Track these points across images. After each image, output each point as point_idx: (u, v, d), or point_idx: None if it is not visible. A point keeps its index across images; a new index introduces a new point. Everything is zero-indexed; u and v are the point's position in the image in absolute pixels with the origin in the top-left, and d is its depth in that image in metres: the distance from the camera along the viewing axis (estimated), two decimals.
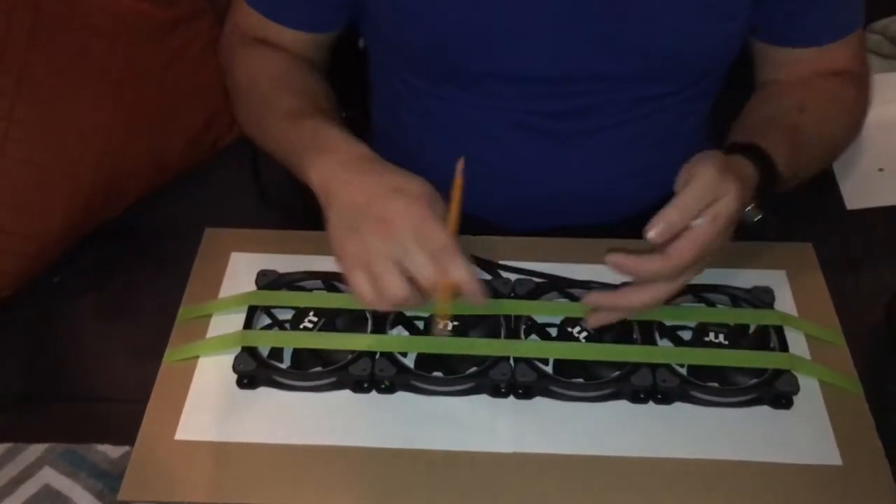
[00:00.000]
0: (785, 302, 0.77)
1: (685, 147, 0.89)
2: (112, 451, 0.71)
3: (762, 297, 0.75)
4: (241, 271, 0.79)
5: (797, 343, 0.74)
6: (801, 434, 0.68)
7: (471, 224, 0.84)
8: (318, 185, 0.69)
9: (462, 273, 0.63)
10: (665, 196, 0.85)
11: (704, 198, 0.64)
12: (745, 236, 0.70)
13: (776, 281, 0.78)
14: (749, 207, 0.69)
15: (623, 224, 0.86)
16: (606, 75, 0.79)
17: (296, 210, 0.91)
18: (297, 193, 0.79)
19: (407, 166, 0.94)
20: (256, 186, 0.97)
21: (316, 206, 0.69)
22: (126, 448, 0.71)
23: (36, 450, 0.72)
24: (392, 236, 0.63)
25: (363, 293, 0.63)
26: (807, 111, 0.80)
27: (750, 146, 0.72)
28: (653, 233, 0.63)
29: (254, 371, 0.70)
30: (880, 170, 1.02)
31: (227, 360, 0.71)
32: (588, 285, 0.76)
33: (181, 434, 0.67)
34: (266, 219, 0.93)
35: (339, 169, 0.68)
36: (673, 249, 0.64)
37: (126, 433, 0.68)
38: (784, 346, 0.72)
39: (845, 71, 0.84)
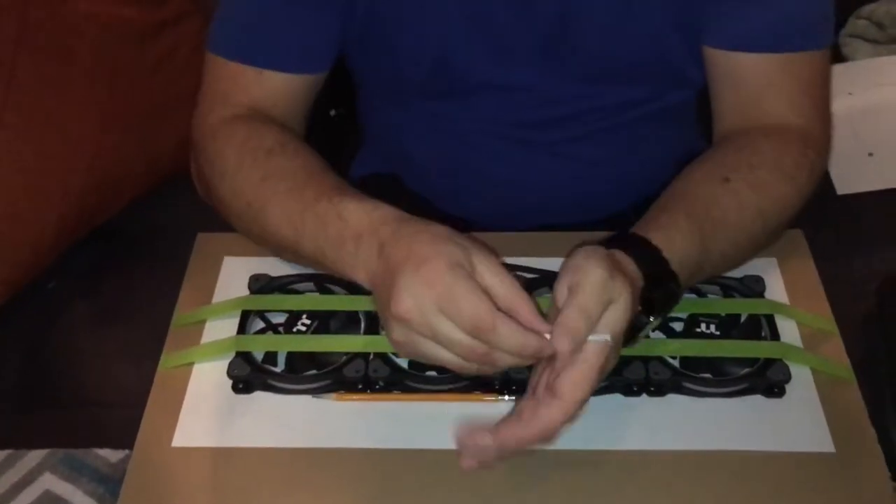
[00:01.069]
0: (776, 290, 0.77)
1: (669, 143, 0.91)
2: (112, 455, 0.72)
3: (753, 287, 0.76)
4: (233, 275, 0.79)
5: (789, 331, 0.74)
6: (795, 422, 0.68)
7: (457, 225, 0.85)
8: (368, 284, 0.63)
9: (512, 345, 0.54)
10: (644, 196, 0.83)
11: (601, 299, 0.56)
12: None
13: (767, 268, 0.78)
14: (639, 313, 0.62)
15: (604, 222, 0.88)
16: (568, 84, 0.79)
17: None
18: None
19: (398, 171, 0.95)
20: None
21: None
22: (125, 452, 0.71)
23: (36, 455, 0.72)
24: (413, 325, 0.56)
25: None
26: (731, 181, 0.70)
27: (637, 239, 0.64)
28: (564, 346, 0.55)
29: (248, 376, 0.70)
30: (870, 154, 1.03)
31: (222, 365, 0.71)
32: None
33: (178, 441, 0.68)
34: None
35: (375, 257, 0.61)
36: (565, 386, 0.56)
37: (125, 437, 0.68)
38: (775, 335, 0.73)
39: (793, 126, 0.76)
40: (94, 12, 0.94)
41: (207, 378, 0.72)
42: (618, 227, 0.72)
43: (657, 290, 0.63)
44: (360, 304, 0.75)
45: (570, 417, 0.56)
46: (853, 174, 1.01)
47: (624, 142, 0.86)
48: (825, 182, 1.01)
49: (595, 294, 0.56)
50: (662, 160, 0.92)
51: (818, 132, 0.77)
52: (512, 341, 0.55)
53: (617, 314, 0.57)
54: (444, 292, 0.54)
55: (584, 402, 0.57)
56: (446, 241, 0.57)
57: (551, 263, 0.77)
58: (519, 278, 0.74)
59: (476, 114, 0.83)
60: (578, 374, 0.56)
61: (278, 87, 0.78)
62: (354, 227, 0.63)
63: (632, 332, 0.62)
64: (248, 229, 0.74)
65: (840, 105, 0.91)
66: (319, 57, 0.80)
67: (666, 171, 0.91)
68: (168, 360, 0.73)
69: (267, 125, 0.76)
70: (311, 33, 0.78)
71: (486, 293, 0.56)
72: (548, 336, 0.56)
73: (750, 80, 0.77)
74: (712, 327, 0.73)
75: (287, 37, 0.77)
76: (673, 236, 0.65)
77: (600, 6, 0.75)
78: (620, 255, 0.62)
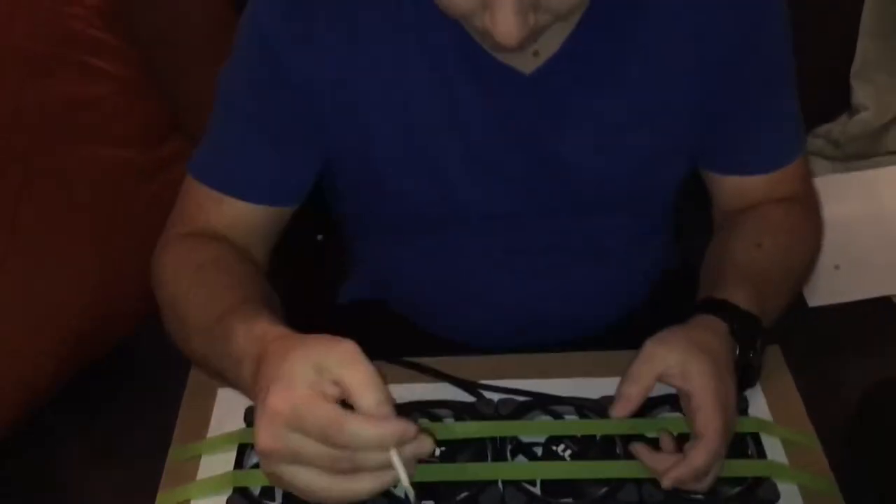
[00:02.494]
0: (758, 406, 0.80)
1: (649, 261, 0.95)
2: None
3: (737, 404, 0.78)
4: (228, 407, 0.79)
5: (773, 447, 0.76)
6: None
7: (447, 346, 0.87)
8: (251, 379, 0.62)
9: (371, 436, 0.53)
10: (633, 310, 0.89)
11: (655, 371, 0.69)
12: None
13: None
14: (738, 356, 0.73)
15: (594, 339, 0.90)
16: (560, 214, 0.83)
17: None
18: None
19: (386, 297, 0.97)
20: None
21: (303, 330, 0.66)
22: None
23: None
24: (273, 451, 0.56)
25: None
26: (763, 245, 0.82)
27: (712, 301, 0.75)
28: (617, 411, 0.70)
29: None
30: (836, 267, 1.07)
31: (220, 501, 0.71)
32: (570, 401, 0.78)
33: None
34: None
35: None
36: (689, 454, 0.67)
37: None
38: (762, 453, 0.74)
39: (793, 197, 0.86)
40: (96, 156, 0.96)
41: None
42: (606, 343, 0.81)
43: (752, 330, 0.74)
44: None
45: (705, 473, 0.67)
46: (822, 286, 1.05)
47: (611, 263, 0.89)
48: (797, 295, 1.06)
49: (721, 434, 0.67)
50: (641, 280, 0.96)
51: (814, 199, 0.91)
52: (366, 434, 0.54)
53: (702, 381, 0.68)
54: (289, 411, 0.54)
55: (710, 464, 0.67)
56: (293, 359, 0.56)
57: (542, 385, 0.80)
58: (510, 401, 0.77)
59: (470, 245, 0.86)
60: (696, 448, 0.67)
61: (237, 215, 0.80)
62: (238, 351, 0.63)
63: (745, 373, 0.74)
64: (179, 340, 0.75)
65: None
66: (287, 193, 0.82)
67: (643, 288, 0.95)
68: (164, 499, 0.73)
69: (212, 242, 0.78)
70: (282, 171, 0.80)
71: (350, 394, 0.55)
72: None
73: (753, 189, 0.86)
74: None
75: (255, 170, 0.79)
76: (736, 297, 0.74)
77: (590, 144, 0.78)
78: (704, 318, 0.73)
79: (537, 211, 0.83)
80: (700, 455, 0.66)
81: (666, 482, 0.67)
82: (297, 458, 0.55)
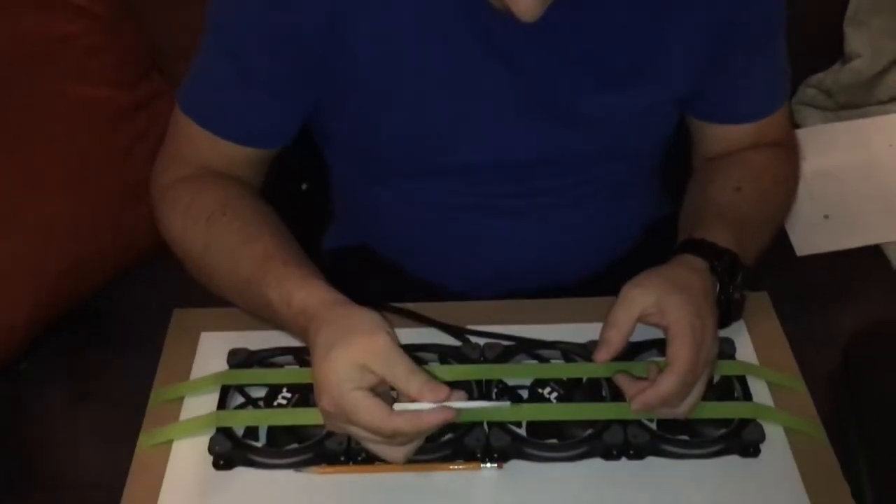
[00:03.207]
0: (745, 351, 0.79)
1: (638, 208, 0.94)
2: None
3: (723, 348, 0.77)
4: (211, 351, 0.79)
5: (760, 391, 0.76)
6: (771, 482, 0.70)
7: (434, 291, 0.86)
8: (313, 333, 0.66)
9: (412, 434, 0.62)
10: (615, 257, 0.88)
11: (633, 315, 0.70)
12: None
13: (735, 330, 0.80)
14: (719, 291, 0.73)
15: (578, 285, 0.90)
16: (550, 156, 0.82)
17: None
18: None
19: (370, 243, 0.96)
20: None
21: None
22: None
23: None
24: (332, 421, 0.64)
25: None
26: (743, 189, 0.82)
27: (691, 241, 0.76)
28: (599, 356, 0.70)
29: (230, 452, 0.70)
30: (825, 216, 1.07)
31: (202, 442, 0.70)
32: (556, 345, 0.78)
33: None
34: None
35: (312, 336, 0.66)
36: (671, 359, 0.67)
37: None
38: (748, 395, 0.74)
39: (777, 143, 0.87)
40: (67, 92, 0.93)
41: (187, 456, 0.71)
42: (590, 290, 0.82)
43: (733, 268, 0.74)
44: None
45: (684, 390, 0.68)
46: (810, 236, 1.05)
47: (600, 209, 0.89)
48: (785, 243, 1.05)
49: (690, 363, 0.67)
50: (630, 226, 0.95)
51: (794, 143, 0.92)
52: (413, 430, 0.62)
53: (681, 311, 0.68)
54: (346, 408, 0.62)
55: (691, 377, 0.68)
56: (338, 361, 0.62)
57: (527, 330, 0.80)
58: (496, 346, 0.77)
59: (457, 189, 0.85)
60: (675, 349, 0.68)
61: (233, 156, 0.81)
62: (280, 319, 0.70)
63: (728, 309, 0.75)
64: (206, 286, 0.78)
65: None
66: (275, 136, 0.82)
67: (633, 235, 0.95)
68: (146, 439, 0.72)
69: (211, 186, 0.79)
70: (267, 116, 0.79)
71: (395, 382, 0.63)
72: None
73: (738, 136, 0.87)
74: None
75: (243, 115, 0.79)
76: (716, 236, 0.75)
77: (591, 87, 0.77)
78: (685, 258, 0.73)
79: (529, 155, 0.81)
80: (667, 380, 0.67)
81: (634, 405, 0.68)
82: (348, 431, 0.64)
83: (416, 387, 0.62)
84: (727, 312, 0.75)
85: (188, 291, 0.81)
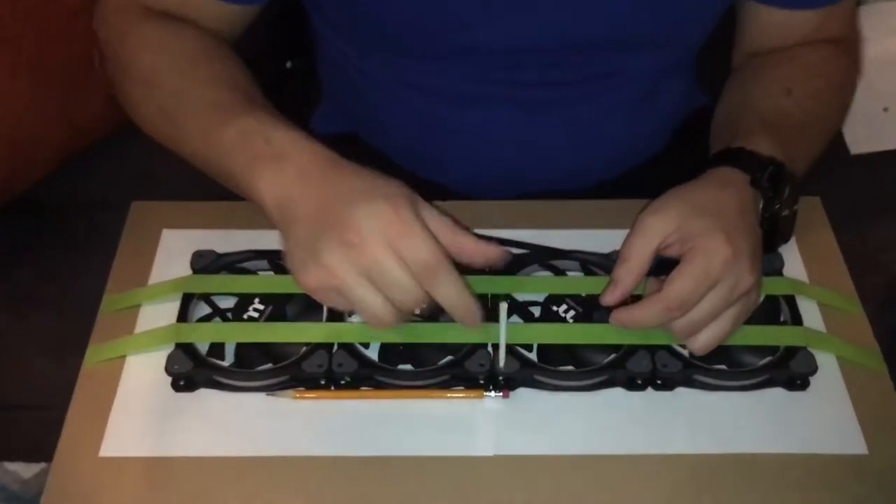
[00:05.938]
0: (793, 266, 0.69)
1: (667, 107, 0.83)
2: (24, 469, 0.63)
3: (771, 262, 0.67)
4: (174, 252, 0.69)
5: (810, 313, 0.66)
6: (821, 419, 0.61)
7: (433, 193, 0.75)
8: (270, 202, 0.58)
9: (453, 296, 0.55)
10: (642, 159, 0.78)
11: (650, 247, 0.59)
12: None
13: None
14: (763, 208, 0.63)
15: (598, 188, 0.80)
16: (580, 43, 0.70)
17: None
18: None
19: (361, 131, 0.85)
20: None
21: None
22: (42, 465, 0.62)
23: None
24: (360, 253, 0.53)
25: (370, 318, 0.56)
26: (793, 92, 0.71)
27: (728, 152, 0.64)
28: (606, 298, 0.60)
29: (191, 371, 0.61)
30: (885, 109, 0.95)
31: (160, 358, 0.61)
32: (574, 255, 0.68)
33: (107, 450, 0.58)
34: (204, 189, 0.83)
35: (296, 181, 0.57)
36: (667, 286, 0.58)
37: (41, 448, 0.59)
38: (797, 319, 0.64)
39: (837, 39, 0.76)
40: None
41: (142, 374, 0.62)
42: (612, 194, 0.72)
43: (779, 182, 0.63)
44: None
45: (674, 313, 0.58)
46: (867, 132, 0.94)
47: (623, 103, 0.78)
48: (838, 142, 0.94)
49: (680, 298, 0.57)
50: (662, 126, 0.84)
51: (856, 42, 0.80)
52: (451, 291, 0.55)
53: (710, 236, 0.58)
54: (402, 230, 0.53)
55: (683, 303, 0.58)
56: (394, 181, 0.56)
57: (541, 236, 0.69)
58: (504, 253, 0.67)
59: (460, 72, 0.73)
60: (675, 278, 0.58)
61: (207, 10, 0.71)
62: (279, 149, 0.59)
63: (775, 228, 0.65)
64: (159, 133, 0.69)
65: None
66: None
67: (663, 137, 0.84)
68: (95, 353, 0.63)
69: (185, 28, 0.69)
70: None
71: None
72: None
73: (796, 26, 0.76)
74: None
75: None
76: (758, 144, 0.64)
77: None
78: (723, 171, 0.62)
79: (558, 37, 0.70)
80: (646, 307, 0.58)
81: (611, 316, 0.60)
82: (375, 272, 0.54)
83: (449, 238, 0.55)
84: (773, 233, 0.65)
85: (150, 182, 0.72)
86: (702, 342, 0.59)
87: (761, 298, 0.65)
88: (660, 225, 0.58)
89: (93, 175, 0.87)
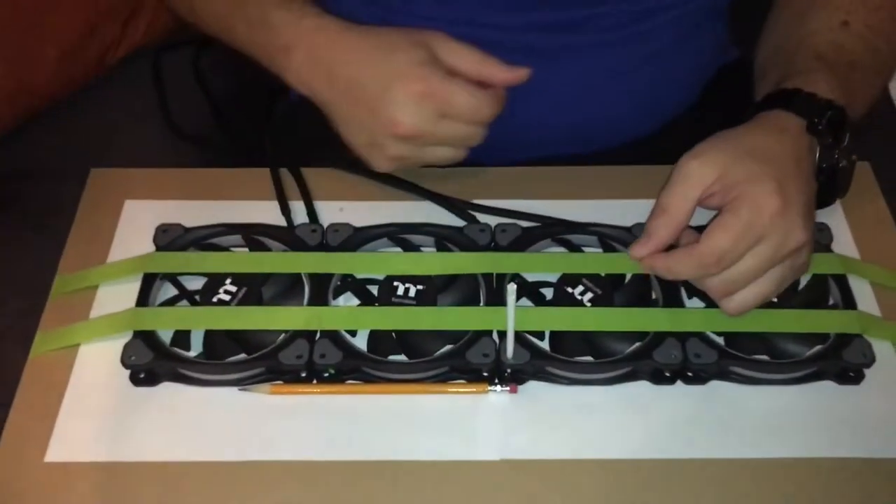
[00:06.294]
0: (841, 240, 0.62)
1: (699, 57, 0.75)
2: None
3: (817, 237, 0.59)
4: (138, 225, 0.62)
5: (863, 296, 0.58)
6: (877, 417, 0.53)
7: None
8: (305, 93, 0.61)
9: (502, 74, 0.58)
10: (669, 117, 0.74)
11: (692, 196, 0.52)
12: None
13: (827, 213, 0.62)
14: (820, 157, 0.57)
15: (621, 153, 0.73)
16: None
17: (214, 144, 0.76)
18: (218, 120, 0.63)
19: None
20: (162, 112, 0.79)
21: (246, 137, 0.64)
22: None
23: None
24: (415, 140, 0.58)
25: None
26: (851, 24, 0.64)
27: (781, 93, 0.58)
28: (636, 251, 0.54)
29: (151, 363, 0.53)
30: None
31: (118, 347, 0.54)
32: (591, 228, 0.61)
33: (54, 454, 0.51)
34: (173, 156, 0.77)
35: (310, 70, 0.60)
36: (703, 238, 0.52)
37: None
38: (850, 302, 0.57)
39: None
40: None
41: (97, 366, 0.55)
42: (637, 157, 0.65)
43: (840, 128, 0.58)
44: (303, 263, 0.58)
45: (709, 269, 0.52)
46: None
47: (660, 51, 0.71)
48: (887, 101, 0.86)
49: (717, 253, 0.51)
50: (691, 80, 0.76)
51: None
52: (497, 108, 0.59)
53: (760, 184, 0.52)
54: (441, 100, 0.57)
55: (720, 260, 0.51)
56: (406, 48, 0.59)
57: (553, 207, 0.63)
58: (511, 227, 0.61)
59: (473, 17, 0.67)
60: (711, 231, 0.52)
61: None
62: (283, 38, 0.61)
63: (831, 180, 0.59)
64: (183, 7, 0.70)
65: None
66: None
67: (692, 93, 0.76)
68: (44, 341, 0.56)
69: None
70: None
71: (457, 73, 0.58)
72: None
73: None
74: None
75: None
76: (815, 85, 0.58)
77: None
78: (774, 115, 0.56)
79: None
80: (679, 258, 0.52)
81: (632, 251, 0.54)
82: (439, 140, 0.60)
83: (487, 71, 0.58)
84: (830, 186, 0.58)
85: (111, 147, 0.65)
86: (737, 303, 0.53)
87: (807, 278, 0.57)
88: (703, 171, 0.52)
89: (48, 142, 0.81)
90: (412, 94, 0.56)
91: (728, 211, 0.51)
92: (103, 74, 0.88)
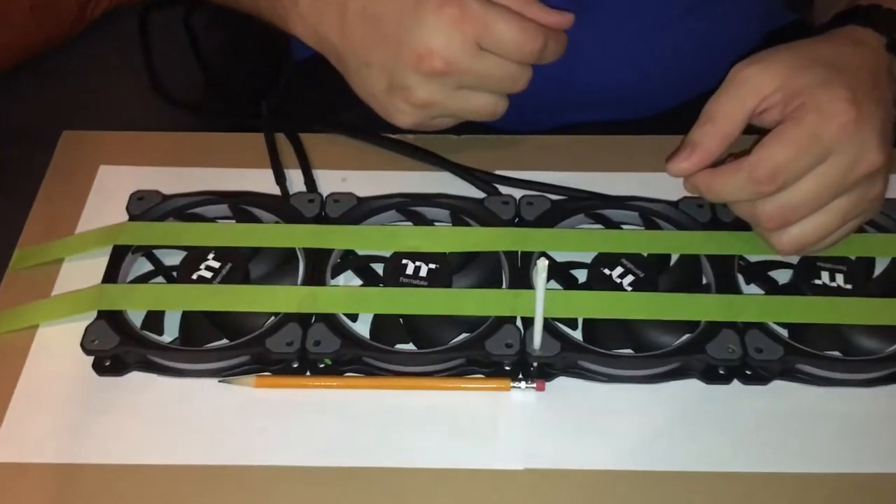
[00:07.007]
0: None
1: (746, 18, 0.68)
2: None
3: (886, 210, 0.52)
4: (113, 193, 0.56)
5: None
6: None
7: (457, 126, 0.61)
8: (324, 53, 0.54)
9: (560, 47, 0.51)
10: (713, 83, 0.67)
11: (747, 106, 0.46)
12: None
13: None
14: None
15: (657, 122, 0.65)
16: None
17: (204, 109, 0.69)
18: (209, 83, 0.63)
19: None
20: (146, 72, 0.73)
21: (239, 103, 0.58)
22: None
23: None
24: (450, 74, 0.50)
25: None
26: None
27: (855, 10, 0.51)
28: (676, 163, 0.47)
29: (117, 349, 0.46)
30: None
31: (82, 329, 0.47)
32: (631, 203, 0.54)
33: (5, 453, 0.45)
34: (158, 120, 0.70)
35: (322, 28, 0.53)
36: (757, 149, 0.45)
37: None
38: None
39: None
40: None
41: (57, 351, 0.48)
42: (677, 127, 0.55)
43: None
44: (298, 236, 0.51)
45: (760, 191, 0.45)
46: None
47: (706, 12, 0.64)
48: None
49: (772, 168, 0.44)
50: (737, 42, 0.69)
51: None
52: (560, 47, 0.52)
53: (822, 98, 0.45)
54: (479, 26, 0.49)
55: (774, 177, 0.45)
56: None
57: (586, 180, 0.55)
58: (539, 200, 0.54)
59: None
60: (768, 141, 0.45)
61: None
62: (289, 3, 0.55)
63: None
64: None
65: None
66: None
67: (739, 53, 0.68)
68: (1, 321, 0.49)
69: None
70: None
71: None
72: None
73: None
74: (839, 279, 0.49)
75: None
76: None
77: None
78: (848, 30, 0.50)
79: None
80: (730, 173, 0.45)
81: (670, 166, 0.47)
82: (478, 79, 0.51)
83: (535, 11, 0.50)
84: None
85: (88, 108, 0.59)
86: (792, 238, 0.46)
87: (885, 263, 0.50)
88: (762, 77, 0.45)
89: (18, 101, 0.75)
90: (445, 17, 0.49)
91: (791, 119, 0.44)
92: (84, 30, 0.83)
